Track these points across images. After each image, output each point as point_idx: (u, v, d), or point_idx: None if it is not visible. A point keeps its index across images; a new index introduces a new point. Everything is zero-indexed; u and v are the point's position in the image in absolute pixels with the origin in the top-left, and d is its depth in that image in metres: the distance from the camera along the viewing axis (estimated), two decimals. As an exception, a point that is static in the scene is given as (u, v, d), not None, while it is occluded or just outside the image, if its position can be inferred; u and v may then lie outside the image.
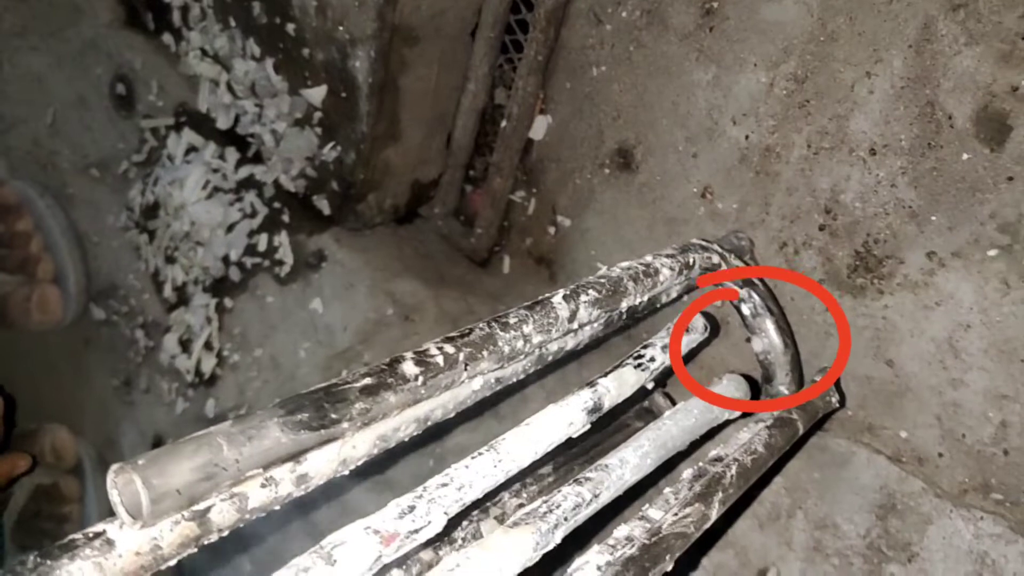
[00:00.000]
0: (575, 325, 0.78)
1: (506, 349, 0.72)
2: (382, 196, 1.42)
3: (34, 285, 1.93)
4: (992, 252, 0.87)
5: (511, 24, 1.30)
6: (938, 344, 0.93)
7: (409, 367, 0.63)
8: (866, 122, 0.94)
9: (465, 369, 0.69)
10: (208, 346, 1.66)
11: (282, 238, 1.53)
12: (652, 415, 1.09)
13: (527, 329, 0.72)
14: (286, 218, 1.53)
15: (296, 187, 1.48)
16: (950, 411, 0.93)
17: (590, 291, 0.77)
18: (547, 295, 0.74)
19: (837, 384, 0.94)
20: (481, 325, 0.70)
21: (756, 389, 0.94)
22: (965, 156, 0.87)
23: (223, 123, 1.55)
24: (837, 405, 0.92)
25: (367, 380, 0.62)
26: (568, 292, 0.76)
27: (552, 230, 1.32)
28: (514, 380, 0.83)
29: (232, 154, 1.58)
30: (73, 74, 1.79)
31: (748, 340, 0.98)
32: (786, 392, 0.93)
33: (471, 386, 0.77)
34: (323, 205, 1.46)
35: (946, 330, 0.92)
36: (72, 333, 2.01)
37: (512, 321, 0.72)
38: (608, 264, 1.24)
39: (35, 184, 1.92)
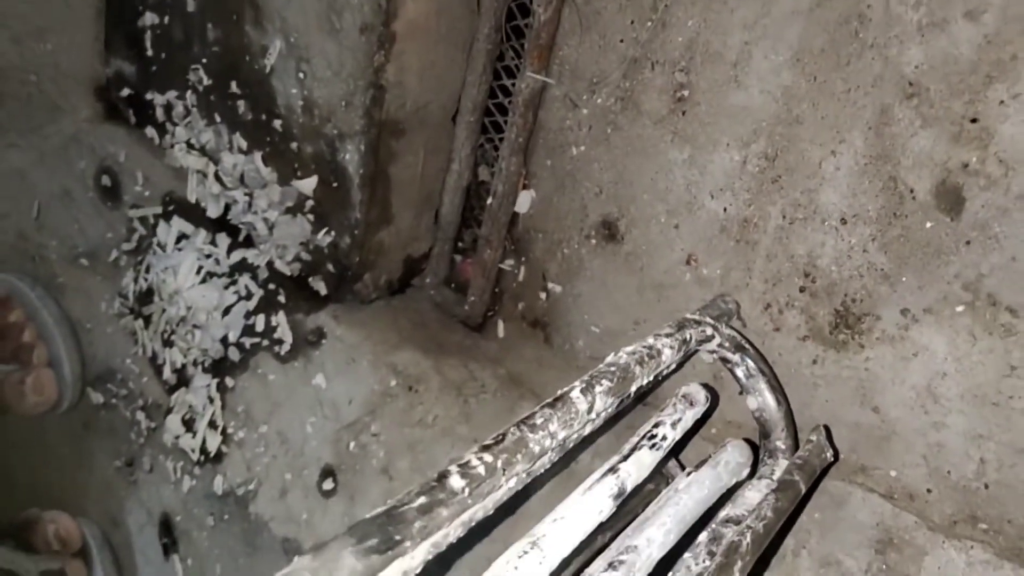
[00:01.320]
0: (593, 415, 0.85)
1: (536, 449, 0.79)
2: (377, 275, 1.49)
3: (29, 369, 1.95)
4: (959, 308, 0.97)
5: (490, 108, 1.38)
6: (918, 391, 1.02)
7: (456, 481, 0.70)
8: (835, 195, 1.03)
9: (503, 474, 0.76)
10: (212, 424, 1.71)
11: (279, 318, 1.59)
12: (663, 477, 1.17)
13: (553, 427, 0.79)
14: (282, 298, 1.58)
15: (291, 270, 1.54)
16: (934, 451, 1.02)
17: (603, 381, 0.84)
18: (565, 390, 0.81)
19: (830, 439, 1.03)
20: (512, 429, 0.77)
21: (755, 447, 1.02)
22: (928, 224, 0.97)
23: (213, 212, 1.60)
24: (832, 459, 1.01)
25: (421, 499, 0.69)
26: (584, 385, 0.83)
27: (543, 295, 1.40)
28: (541, 471, 0.90)
29: (224, 240, 1.63)
30: (56, 168, 1.83)
31: (741, 393, 1.07)
32: (783, 447, 1.01)
33: (507, 485, 0.85)
34: (320, 286, 1.51)
35: (924, 378, 1.01)
36: (71, 418, 2.03)
37: (539, 421, 0.79)
38: (601, 327, 1.33)
39: (24, 276, 1.95)
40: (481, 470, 0.74)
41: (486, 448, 0.76)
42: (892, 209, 0.99)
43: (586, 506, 0.82)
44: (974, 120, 0.91)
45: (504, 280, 1.47)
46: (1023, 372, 0.94)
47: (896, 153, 0.97)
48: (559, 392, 0.84)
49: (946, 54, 0.92)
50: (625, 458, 0.90)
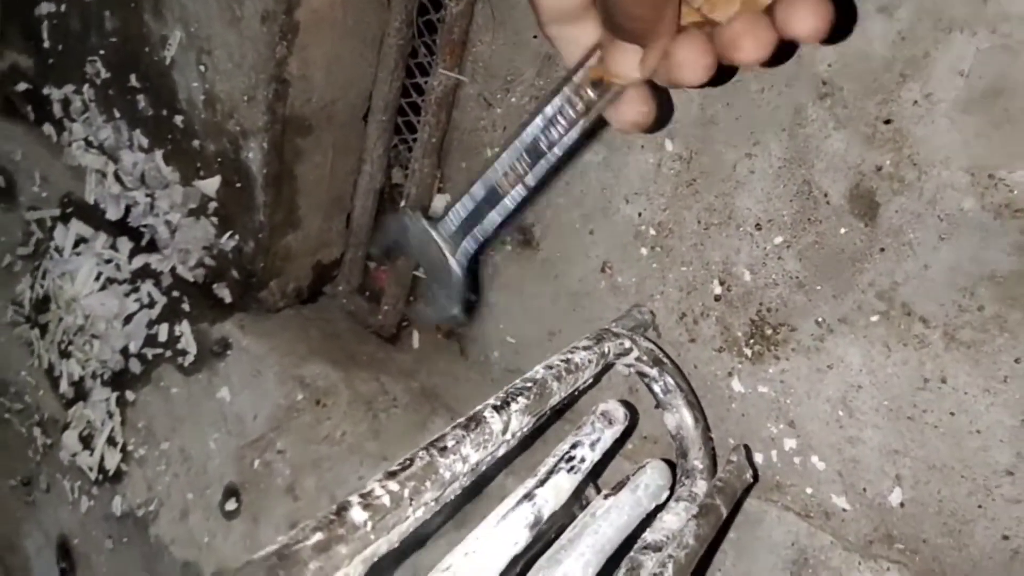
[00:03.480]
0: (509, 436, 0.78)
1: (447, 475, 0.71)
2: (284, 282, 1.41)
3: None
4: (874, 318, 0.93)
5: (403, 106, 1.32)
6: (833, 404, 0.98)
7: (357, 513, 0.62)
8: (750, 199, 0.99)
9: (411, 504, 0.68)
10: (111, 441, 1.61)
11: (183, 327, 1.50)
12: (579, 500, 1.11)
13: (465, 450, 0.72)
14: (186, 307, 1.50)
15: (195, 276, 1.46)
16: (850, 467, 0.98)
17: (519, 399, 0.78)
18: (479, 409, 0.74)
19: (749, 459, 0.98)
20: (421, 454, 0.70)
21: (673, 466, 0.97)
22: (843, 230, 0.93)
23: (113, 214, 1.51)
24: (752, 481, 0.96)
25: (317, 536, 0.61)
26: (498, 403, 0.76)
27: (459, 305, 1.33)
28: (451, 498, 0.83)
29: (125, 244, 1.54)
30: (-52, 168, 1.72)
31: (657, 407, 1.02)
32: (700, 466, 0.96)
33: (415, 516, 0.77)
34: (224, 293, 1.43)
35: (840, 391, 0.97)
36: (-38, 434, 1.91)
37: (450, 444, 0.72)
38: (516, 338, 1.28)
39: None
40: (386, 500, 0.66)
41: (391, 475, 0.68)
42: (807, 215, 0.96)
43: (500, 537, 0.76)
44: (887, 121, 0.88)
45: (419, 288, 1.41)
46: (935, 385, 0.90)
47: (810, 156, 0.94)
48: (472, 411, 0.77)
49: (859, 51, 0.88)
50: (542, 483, 0.83)
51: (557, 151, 0.59)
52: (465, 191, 0.63)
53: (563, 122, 0.58)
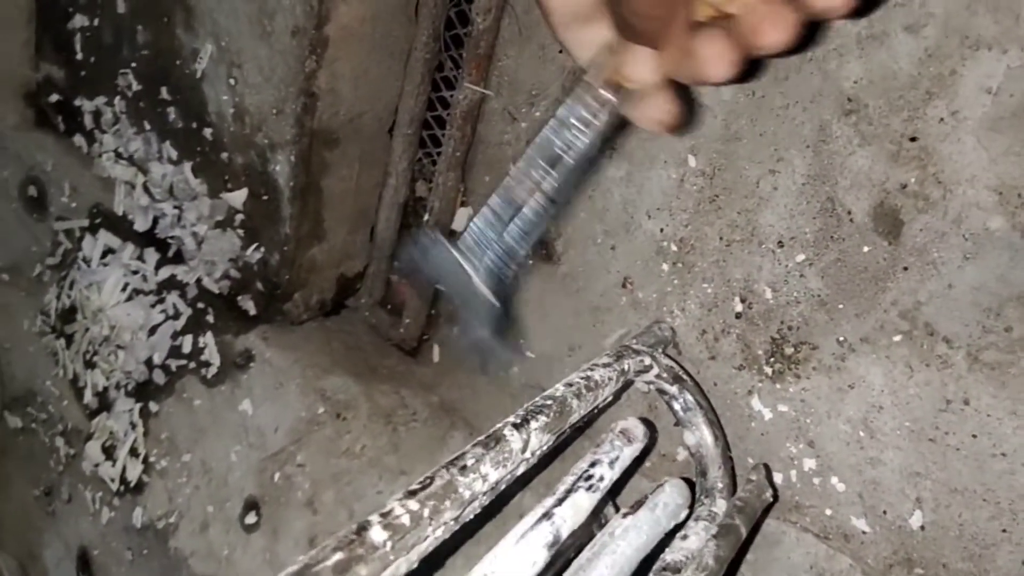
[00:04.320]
0: (528, 454, 0.78)
1: (467, 494, 0.71)
2: (308, 294, 1.42)
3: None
4: (896, 338, 0.92)
5: (428, 120, 1.33)
6: (854, 425, 0.97)
7: (377, 533, 0.62)
8: (773, 216, 0.99)
9: (430, 523, 0.68)
10: (134, 452, 1.62)
11: (207, 339, 1.51)
12: (597, 518, 1.10)
13: (484, 469, 0.72)
14: (211, 318, 1.51)
15: (220, 288, 1.47)
16: (870, 489, 0.97)
17: (539, 416, 0.77)
18: (498, 427, 0.74)
19: (769, 479, 0.97)
20: (440, 472, 0.70)
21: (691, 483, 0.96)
22: (866, 248, 0.92)
23: (141, 225, 1.53)
24: (772, 500, 0.95)
25: (338, 556, 0.60)
26: (518, 421, 0.76)
27: (480, 320, 1.34)
28: (471, 517, 0.83)
29: (152, 255, 1.56)
30: (-20, 178, 1.76)
31: (676, 425, 1.01)
32: (720, 485, 0.95)
33: (434, 535, 0.77)
34: (248, 305, 1.45)
35: (860, 412, 0.96)
36: (-13, 442, 1.93)
37: (469, 463, 0.72)
38: (536, 352, 1.27)
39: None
40: (405, 520, 0.66)
41: (411, 494, 0.68)
42: (829, 232, 0.95)
43: (518, 557, 0.75)
44: (913, 139, 0.88)
45: (440, 301, 1.41)
46: (958, 407, 0.89)
47: (834, 173, 0.93)
48: (491, 429, 0.77)
49: (885, 68, 0.88)
50: (560, 502, 0.83)
51: (573, 155, 0.57)
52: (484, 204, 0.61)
53: (578, 124, 0.56)
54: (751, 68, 0.91)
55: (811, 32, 0.93)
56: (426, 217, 1.34)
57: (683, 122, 0.58)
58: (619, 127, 0.58)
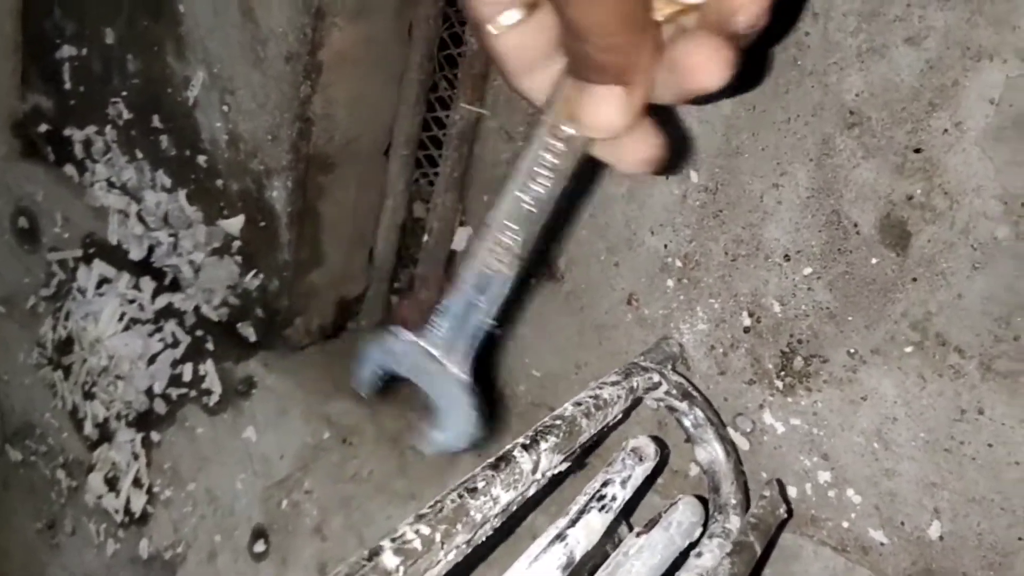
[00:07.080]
0: (539, 475, 0.77)
1: (478, 517, 0.70)
2: (309, 319, 1.41)
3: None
4: (908, 348, 0.92)
5: (424, 141, 1.32)
6: (868, 437, 0.96)
7: (389, 559, 0.61)
8: (778, 230, 0.98)
9: (442, 547, 0.67)
10: (137, 483, 1.60)
11: (208, 367, 1.50)
12: (610, 538, 1.09)
13: (495, 491, 0.71)
14: (210, 346, 1.50)
15: (219, 315, 1.46)
16: (887, 500, 0.96)
17: (548, 437, 0.77)
18: (508, 448, 0.74)
19: (783, 494, 0.97)
20: (452, 496, 0.69)
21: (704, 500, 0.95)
22: (873, 260, 0.92)
23: (136, 254, 1.52)
24: (786, 516, 0.95)
25: None
26: (527, 442, 0.75)
27: (483, 339, 1.33)
28: (482, 540, 0.82)
29: (148, 284, 1.54)
30: (-30, 211, 1.74)
31: (687, 441, 1.01)
32: (733, 501, 0.95)
33: (446, 559, 0.76)
34: (248, 332, 1.43)
35: (874, 423, 0.96)
36: (-12, 476, 1.91)
37: (480, 485, 0.71)
38: (542, 371, 1.27)
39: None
40: (417, 544, 0.65)
41: (422, 518, 0.68)
42: (836, 245, 0.95)
43: None
44: (918, 150, 0.88)
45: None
46: (972, 416, 0.89)
47: (839, 186, 0.93)
48: (501, 451, 0.76)
49: (887, 81, 0.88)
50: (573, 523, 0.82)
51: (545, 208, 0.51)
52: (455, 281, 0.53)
53: (545, 173, 0.50)
54: (745, 69, 0.90)
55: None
56: (426, 238, 1.33)
57: (671, 152, 0.51)
58: (590, 167, 0.52)
